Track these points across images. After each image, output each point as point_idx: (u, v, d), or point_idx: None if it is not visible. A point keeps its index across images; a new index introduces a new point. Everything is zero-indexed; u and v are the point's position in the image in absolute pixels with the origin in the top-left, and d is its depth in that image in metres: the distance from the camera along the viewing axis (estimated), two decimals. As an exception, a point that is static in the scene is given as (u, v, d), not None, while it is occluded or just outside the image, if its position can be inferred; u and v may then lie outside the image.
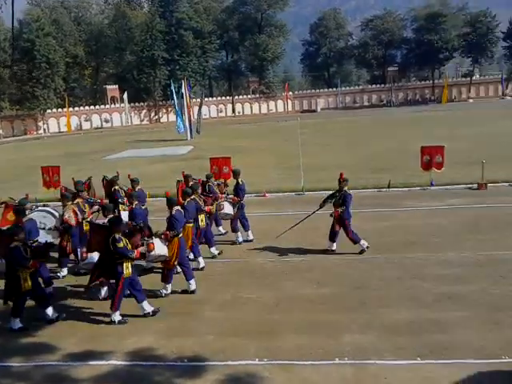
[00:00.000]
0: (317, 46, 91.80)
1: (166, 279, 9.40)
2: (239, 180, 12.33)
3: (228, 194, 12.67)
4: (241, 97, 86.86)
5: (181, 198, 10.85)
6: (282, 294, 9.12)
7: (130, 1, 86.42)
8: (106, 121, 78.45)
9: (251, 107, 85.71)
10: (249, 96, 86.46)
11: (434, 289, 8.83)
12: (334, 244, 11.14)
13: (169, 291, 9.45)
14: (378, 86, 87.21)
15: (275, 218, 14.57)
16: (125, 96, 74.01)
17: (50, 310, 8.57)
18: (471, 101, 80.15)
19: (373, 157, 24.89)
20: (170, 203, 9.42)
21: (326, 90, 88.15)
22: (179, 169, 24.86)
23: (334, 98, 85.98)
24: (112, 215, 9.31)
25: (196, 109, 53.10)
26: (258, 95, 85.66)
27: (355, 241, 10.91)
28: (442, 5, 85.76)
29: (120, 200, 11.90)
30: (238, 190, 12.23)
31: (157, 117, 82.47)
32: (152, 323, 8.30)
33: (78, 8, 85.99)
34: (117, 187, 12.57)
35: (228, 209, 11.95)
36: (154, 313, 8.55)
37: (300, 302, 8.73)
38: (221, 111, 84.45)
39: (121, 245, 8.19)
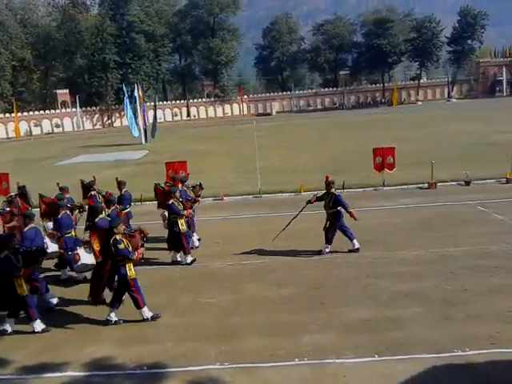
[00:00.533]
0: (270, 49, 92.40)
1: None
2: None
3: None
4: (196, 100, 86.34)
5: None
6: (242, 296, 9.14)
7: (75, 4, 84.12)
8: (57, 126, 76.17)
9: (206, 111, 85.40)
10: (204, 99, 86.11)
11: (389, 287, 9.08)
12: (355, 241, 11.05)
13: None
14: (331, 89, 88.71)
15: (233, 222, 14.56)
16: (76, 100, 72.27)
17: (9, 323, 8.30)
18: (420, 103, 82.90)
19: (328, 159, 25.29)
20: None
21: (280, 93, 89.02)
22: (134, 174, 24.57)
23: (289, 102, 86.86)
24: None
25: (150, 113, 52.39)
26: (212, 99, 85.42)
27: (329, 241, 10.97)
28: (389, 10, 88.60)
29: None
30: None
31: (110, 121, 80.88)
32: (110, 331, 8.13)
33: (24, 10, 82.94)
34: (93, 192, 12.38)
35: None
36: (153, 318, 8.43)
37: (260, 304, 8.77)
38: (176, 115, 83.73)
39: (122, 246, 8.15)
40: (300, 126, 51.04)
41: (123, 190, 12.23)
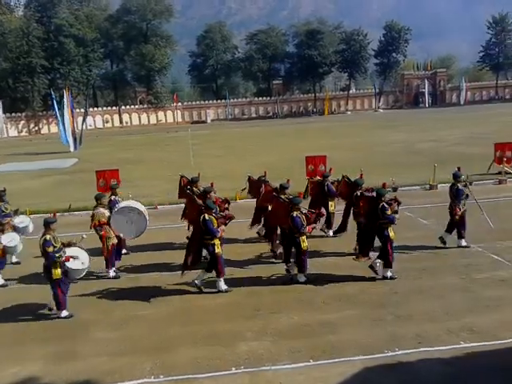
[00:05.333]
0: (204, 57, 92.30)
1: None
2: None
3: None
4: (128, 107, 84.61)
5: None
6: (176, 307, 9.01)
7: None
8: (-22, 132, 72.10)
9: (139, 118, 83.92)
10: (136, 106, 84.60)
11: (322, 291, 9.30)
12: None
13: None
14: (265, 98, 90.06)
15: (168, 231, 14.35)
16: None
17: None
18: (349, 113, 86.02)
19: (262, 166, 25.39)
20: None
21: (215, 101, 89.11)
22: (62, 183, 23.67)
23: (224, 110, 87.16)
24: None
25: (80, 119, 50.79)
26: (146, 105, 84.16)
27: (463, 234, 11.37)
28: (320, 22, 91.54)
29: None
30: None
31: (37, 128, 77.53)
32: (37, 349, 7.73)
33: None
34: None
35: None
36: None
37: (195, 313, 8.70)
38: (107, 122, 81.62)
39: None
40: (235, 135, 51.28)
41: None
